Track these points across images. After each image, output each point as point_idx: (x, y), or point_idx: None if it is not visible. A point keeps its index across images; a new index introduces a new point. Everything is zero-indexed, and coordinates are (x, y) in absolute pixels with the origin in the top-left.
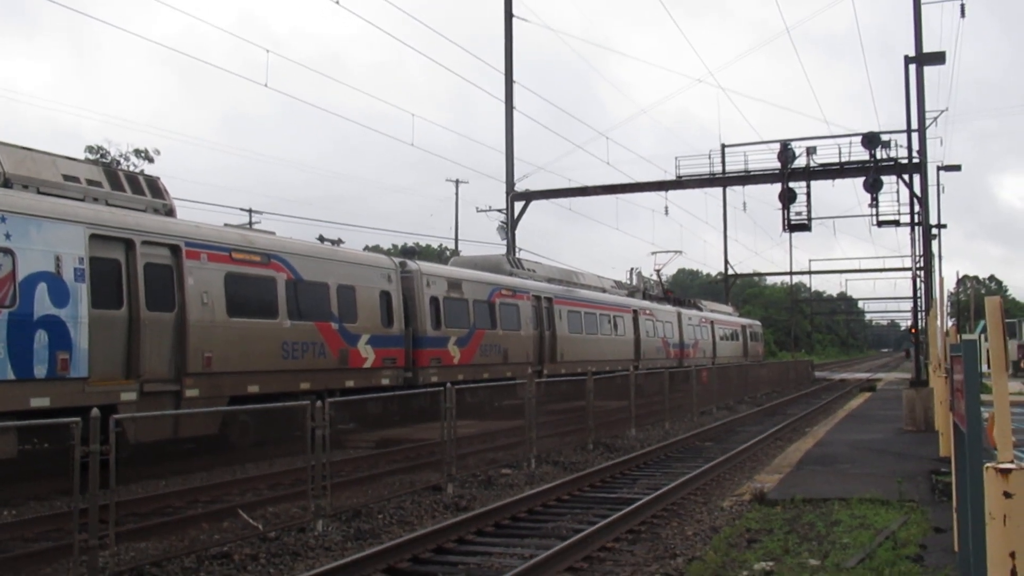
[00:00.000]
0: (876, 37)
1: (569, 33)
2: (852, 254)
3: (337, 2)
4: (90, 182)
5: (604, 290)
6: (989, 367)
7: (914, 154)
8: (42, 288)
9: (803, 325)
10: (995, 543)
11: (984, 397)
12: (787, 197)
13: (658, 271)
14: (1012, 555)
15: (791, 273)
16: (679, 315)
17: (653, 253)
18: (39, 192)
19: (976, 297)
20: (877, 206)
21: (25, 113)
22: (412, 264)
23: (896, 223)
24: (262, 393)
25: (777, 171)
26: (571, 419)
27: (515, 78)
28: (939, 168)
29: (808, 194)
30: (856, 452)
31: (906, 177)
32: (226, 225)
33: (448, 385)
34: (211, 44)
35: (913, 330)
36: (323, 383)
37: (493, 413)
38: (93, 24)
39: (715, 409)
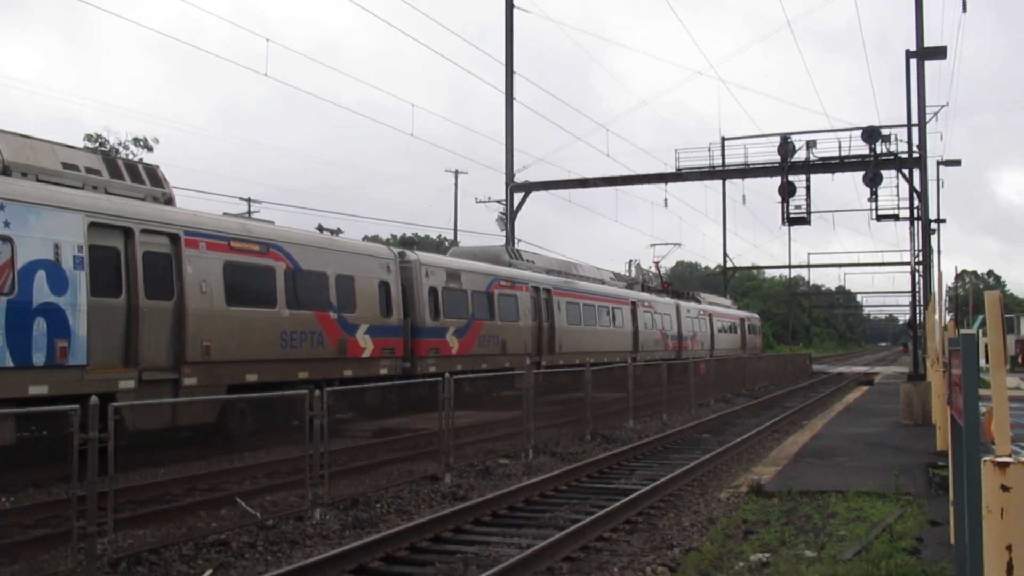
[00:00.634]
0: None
1: (568, 24)
2: (851, 248)
3: None
4: (89, 170)
5: (603, 282)
6: (987, 362)
7: (914, 149)
8: (41, 276)
9: (801, 318)
10: (992, 536)
11: (981, 392)
12: (786, 190)
13: (657, 263)
14: (1009, 548)
15: (790, 267)
16: (677, 307)
17: (652, 245)
18: (38, 180)
19: (974, 292)
20: (876, 200)
21: (20, 101)
22: (411, 254)
23: (895, 217)
24: (260, 382)
25: (777, 164)
26: (569, 410)
27: (515, 69)
28: (939, 163)
29: (807, 188)
30: (853, 445)
31: (906, 172)
32: (225, 214)
33: (446, 375)
34: (207, 32)
35: (911, 325)
36: (321, 372)
37: (491, 403)
38: (87, 11)
39: (713, 401)
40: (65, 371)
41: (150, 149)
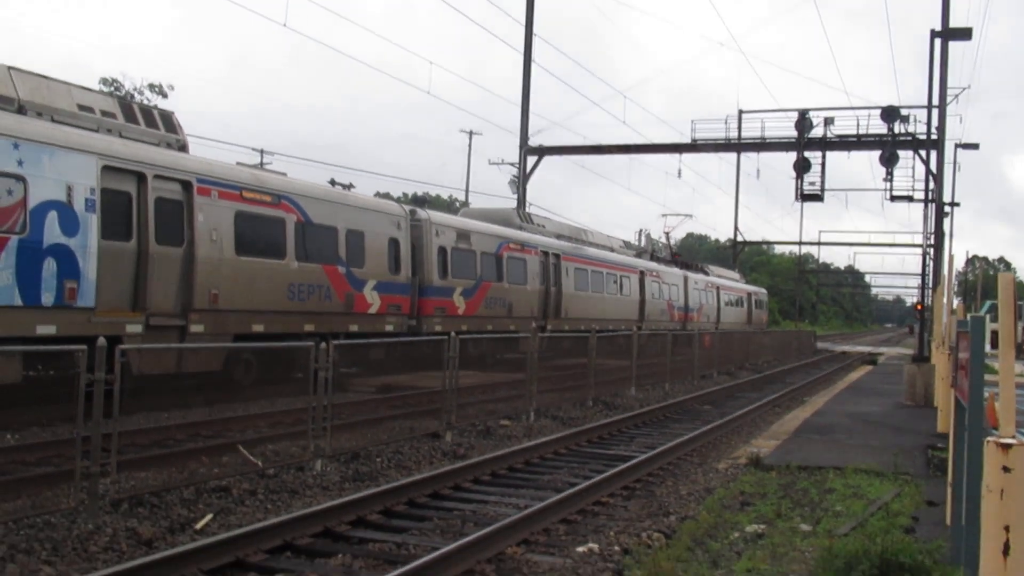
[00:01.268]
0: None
1: None
2: (862, 227)
3: None
4: (104, 113)
5: (612, 249)
6: (993, 347)
7: (933, 130)
8: (52, 216)
9: (808, 296)
10: (990, 516)
11: (986, 377)
12: (802, 166)
13: (667, 233)
14: (1006, 528)
15: (800, 243)
16: (685, 279)
17: (663, 215)
18: (53, 120)
19: (984, 277)
20: (891, 181)
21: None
22: (422, 213)
23: (909, 199)
24: (266, 333)
25: (793, 140)
26: (572, 375)
27: (534, 30)
28: (957, 146)
29: (823, 165)
30: (854, 423)
31: (923, 153)
32: (238, 164)
33: (452, 335)
34: None
35: (919, 306)
36: (327, 326)
37: (495, 365)
38: None
39: (716, 374)
40: (73, 312)
41: (165, 96)
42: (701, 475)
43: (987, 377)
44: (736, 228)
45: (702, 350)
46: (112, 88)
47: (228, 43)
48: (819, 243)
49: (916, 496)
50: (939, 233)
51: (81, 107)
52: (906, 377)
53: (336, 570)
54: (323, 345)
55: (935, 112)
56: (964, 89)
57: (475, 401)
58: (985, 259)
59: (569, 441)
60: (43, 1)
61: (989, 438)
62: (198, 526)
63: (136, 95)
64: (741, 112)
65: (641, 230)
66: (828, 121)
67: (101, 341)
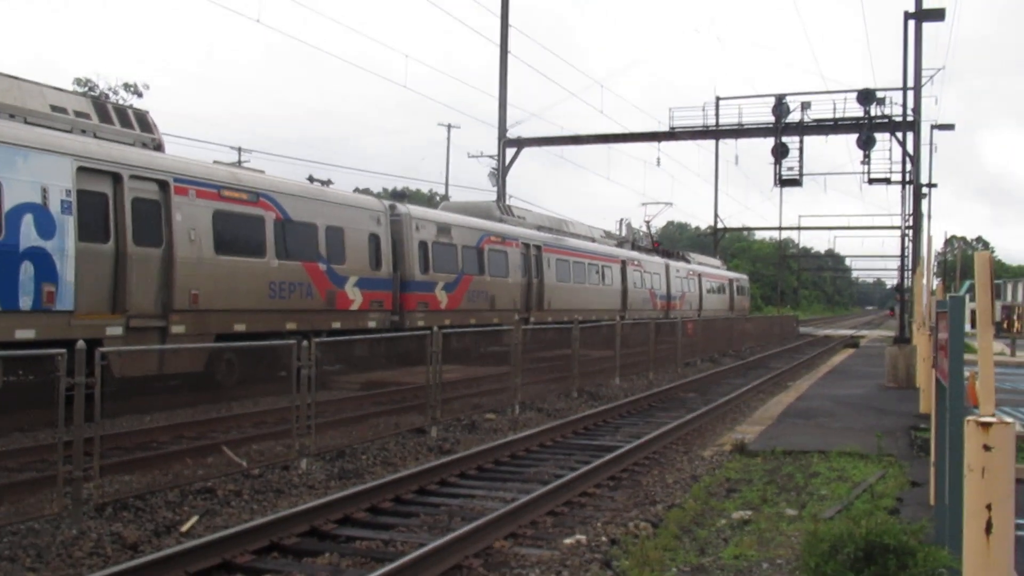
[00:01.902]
0: None
1: None
2: (841, 211)
3: None
4: (78, 114)
5: (593, 240)
6: (973, 327)
7: (908, 112)
8: (28, 219)
9: (790, 280)
10: (972, 495)
11: (966, 357)
12: (780, 151)
13: (648, 222)
14: (988, 507)
15: (780, 228)
16: (667, 267)
17: (643, 204)
18: (26, 122)
19: (963, 258)
20: (869, 163)
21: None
22: (401, 207)
23: (887, 181)
24: (248, 332)
25: (771, 125)
26: (556, 367)
27: (510, 22)
28: (932, 127)
29: (801, 149)
30: (837, 407)
31: (899, 135)
32: (215, 162)
33: (435, 329)
34: None
35: (899, 289)
36: (310, 324)
37: (479, 358)
38: None
39: (699, 361)
40: (52, 316)
41: (140, 95)
42: (687, 463)
43: (968, 357)
44: (716, 215)
45: (685, 338)
46: (86, 88)
47: (202, 41)
48: (799, 228)
49: (900, 477)
50: (917, 214)
51: (54, 108)
52: (888, 359)
53: (323, 569)
54: (305, 343)
55: (910, 94)
56: (939, 70)
57: (460, 395)
58: (964, 239)
59: (555, 433)
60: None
61: (969, 417)
62: (184, 528)
63: (111, 95)
64: (718, 99)
65: (622, 219)
66: (805, 106)
67: (80, 344)
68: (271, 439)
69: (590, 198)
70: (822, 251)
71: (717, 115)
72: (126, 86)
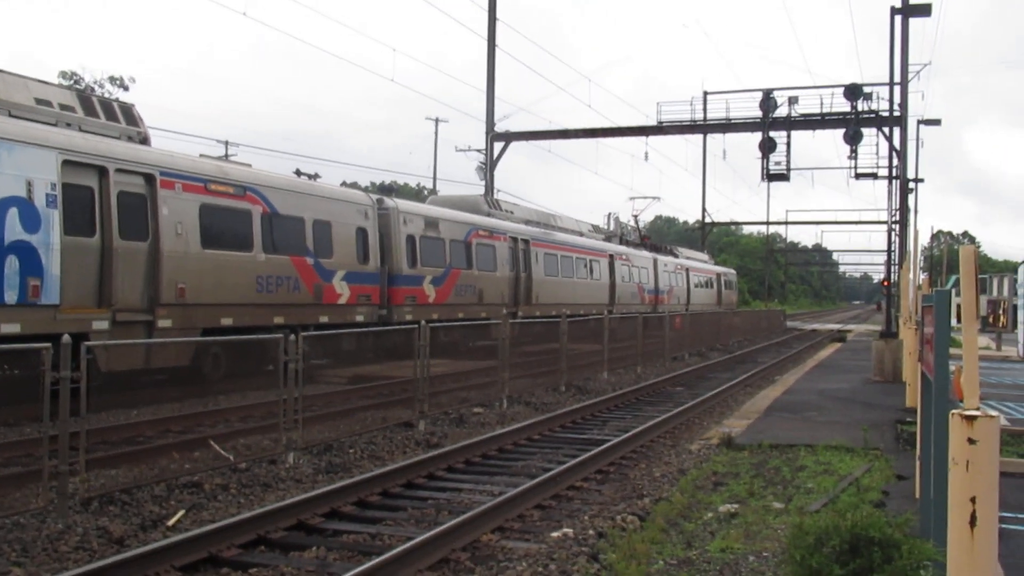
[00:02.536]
0: None
1: None
2: (828, 206)
3: None
4: (63, 107)
5: (581, 234)
6: (959, 321)
7: (895, 107)
8: (13, 213)
9: (777, 275)
10: (956, 488)
11: (952, 351)
12: (767, 146)
13: (635, 217)
14: (972, 500)
15: (767, 223)
16: (655, 261)
17: (631, 199)
18: (10, 115)
19: (949, 253)
20: (856, 158)
21: None
22: (389, 201)
23: (874, 176)
24: (235, 326)
25: (758, 120)
26: (544, 361)
27: (497, 15)
28: (919, 122)
29: (788, 144)
30: (824, 400)
31: (886, 130)
32: (202, 156)
33: (422, 323)
34: None
35: (885, 283)
36: (297, 318)
37: (467, 353)
38: None
39: (687, 355)
40: (37, 310)
41: (126, 88)
42: (674, 457)
43: (953, 351)
44: (704, 209)
45: (673, 332)
46: (72, 81)
47: (188, 35)
48: (786, 222)
49: (886, 471)
50: (904, 209)
51: (39, 101)
52: (874, 353)
53: (310, 563)
54: (292, 337)
55: (897, 89)
56: (925, 65)
57: (447, 389)
58: (950, 234)
59: (542, 427)
60: None
61: (954, 411)
62: (170, 523)
63: (96, 88)
64: (706, 94)
65: (610, 214)
66: (792, 100)
67: (66, 338)
68: (258, 433)
69: (578, 192)
70: (809, 246)
71: (705, 110)
72: (112, 79)
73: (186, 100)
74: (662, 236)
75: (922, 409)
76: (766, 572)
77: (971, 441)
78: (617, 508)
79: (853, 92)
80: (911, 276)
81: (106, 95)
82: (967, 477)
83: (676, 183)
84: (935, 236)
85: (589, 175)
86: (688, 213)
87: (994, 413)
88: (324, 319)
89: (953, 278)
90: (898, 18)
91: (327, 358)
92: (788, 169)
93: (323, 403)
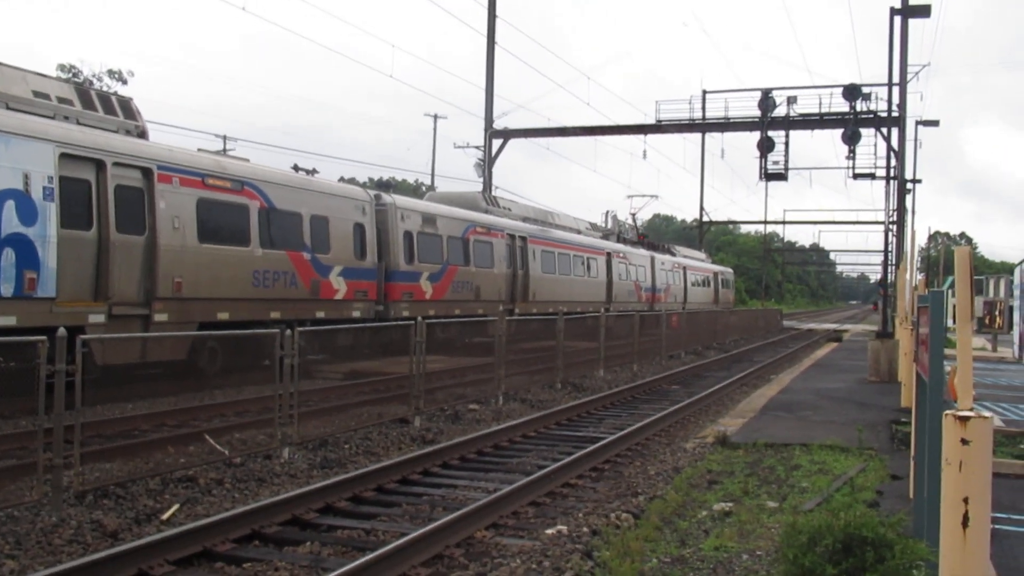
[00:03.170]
0: None
1: None
2: (826, 206)
3: None
4: (61, 100)
5: (579, 231)
6: (955, 323)
7: (894, 108)
8: (10, 206)
9: (774, 274)
10: (950, 488)
11: (947, 352)
12: (765, 146)
13: (633, 215)
14: (965, 500)
15: (765, 222)
16: (652, 259)
17: (629, 197)
18: (8, 108)
19: (946, 253)
20: (854, 158)
21: None
22: (387, 197)
23: (872, 176)
24: (232, 320)
25: (757, 119)
26: (540, 358)
27: (497, 12)
28: (917, 123)
29: (786, 143)
30: (819, 400)
31: (884, 130)
32: (200, 150)
33: (419, 319)
34: None
35: (882, 283)
36: (293, 313)
37: (463, 349)
38: None
39: (683, 354)
40: (33, 303)
41: (124, 82)
42: (669, 455)
43: (948, 352)
44: (702, 208)
45: (670, 330)
46: (70, 74)
47: (188, 29)
48: (784, 222)
49: (880, 470)
50: (901, 210)
51: (37, 94)
52: (870, 353)
53: (304, 558)
54: (289, 332)
55: (896, 90)
56: (924, 66)
57: (443, 386)
58: (947, 235)
59: (538, 424)
60: None
61: (948, 411)
62: (164, 517)
63: (95, 81)
64: (705, 92)
65: (607, 212)
66: (791, 100)
67: (61, 331)
68: (253, 428)
69: (576, 190)
70: (807, 245)
71: (704, 108)
72: (110, 73)
73: (185, 94)
74: (660, 234)
75: (917, 409)
76: (759, 571)
77: (964, 442)
78: (612, 506)
79: (852, 92)
80: (908, 277)
81: (104, 88)
82: (960, 477)
83: (674, 181)
84: (932, 237)
85: (587, 173)
86: (686, 212)
87: (987, 414)
88: (321, 314)
89: (950, 279)
90: (897, 18)
91: (323, 353)
92: (786, 169)
93: (319, 398)
